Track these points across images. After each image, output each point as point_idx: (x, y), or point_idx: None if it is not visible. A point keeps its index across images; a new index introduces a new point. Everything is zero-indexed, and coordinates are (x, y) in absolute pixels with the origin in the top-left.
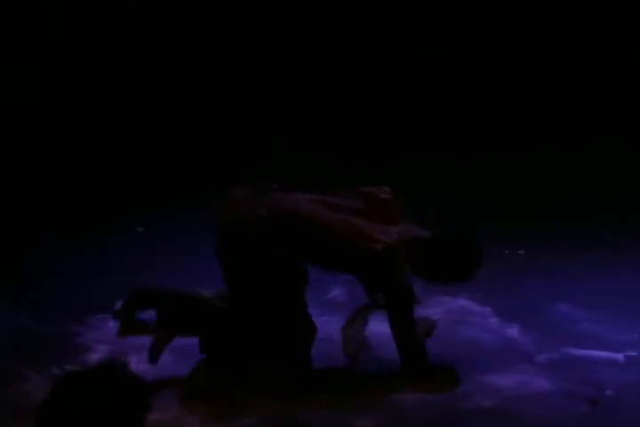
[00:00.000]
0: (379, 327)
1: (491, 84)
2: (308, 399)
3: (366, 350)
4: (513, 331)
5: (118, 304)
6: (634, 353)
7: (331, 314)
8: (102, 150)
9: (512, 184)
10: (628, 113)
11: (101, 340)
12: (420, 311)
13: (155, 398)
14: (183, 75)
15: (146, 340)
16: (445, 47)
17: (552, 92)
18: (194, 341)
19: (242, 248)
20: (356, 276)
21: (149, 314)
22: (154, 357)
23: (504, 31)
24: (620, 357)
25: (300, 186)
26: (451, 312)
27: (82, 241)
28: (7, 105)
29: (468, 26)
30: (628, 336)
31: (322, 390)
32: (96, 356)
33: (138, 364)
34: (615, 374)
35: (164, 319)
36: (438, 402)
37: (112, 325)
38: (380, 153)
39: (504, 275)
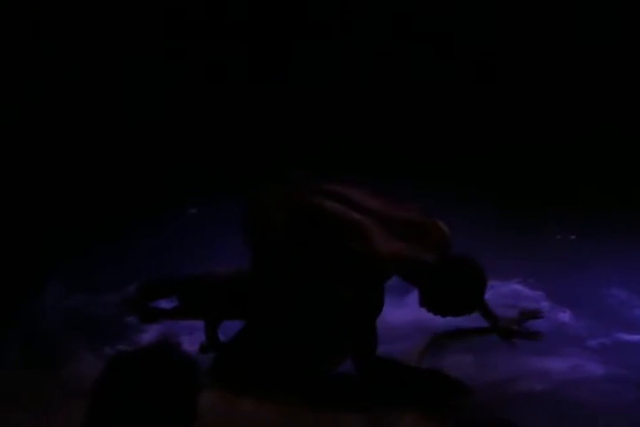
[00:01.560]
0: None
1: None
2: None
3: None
4: (565, 315)
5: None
6: None
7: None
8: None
9: (565, 169)
10: None
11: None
12: None
13: (208, 378)
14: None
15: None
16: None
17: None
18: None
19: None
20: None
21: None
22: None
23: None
24: None
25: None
26: (502, 296)
27: (137, 223)
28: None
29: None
30: None
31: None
32: (148, 336)
33: (189, 344)
34: None
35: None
36: (489, 386)
37: (164, 305)
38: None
39: (556, 260)
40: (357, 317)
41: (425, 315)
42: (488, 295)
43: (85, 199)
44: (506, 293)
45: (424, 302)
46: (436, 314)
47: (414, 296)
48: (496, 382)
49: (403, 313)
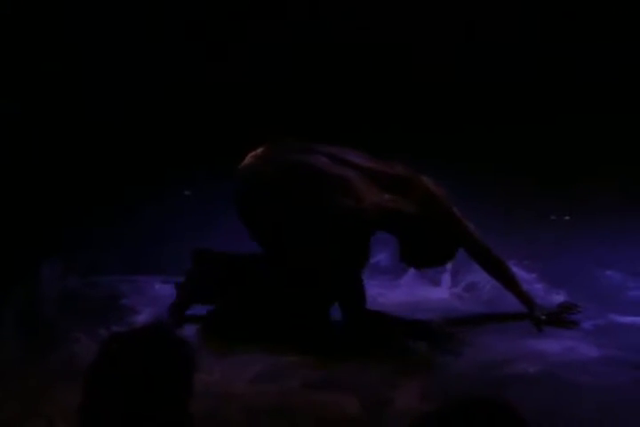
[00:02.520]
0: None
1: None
2: (352, 361)
3: None
4: (559, 297)
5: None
6: None
7: (373, 278)
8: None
9: (560, 149)
10: None
11: (147, 302)
12: (468, 277)
13: (201, 359)
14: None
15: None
16: None
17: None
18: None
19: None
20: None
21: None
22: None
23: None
24: None
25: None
26: None
27: (133, 206)
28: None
29: None
30: None
31: (366, 352)
32: (142, 317)
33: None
34: None
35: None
36: (483, 367)
37: (158, 287)
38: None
39: (550, 241)
40: (344, 269)
41: (419, 296)
42: (482, 276)
43: (81, 181)
44: None
45: (402, 256)
46: (411, 266)
47: (408, 278)
48: (490, 363)
49: (397, 295)
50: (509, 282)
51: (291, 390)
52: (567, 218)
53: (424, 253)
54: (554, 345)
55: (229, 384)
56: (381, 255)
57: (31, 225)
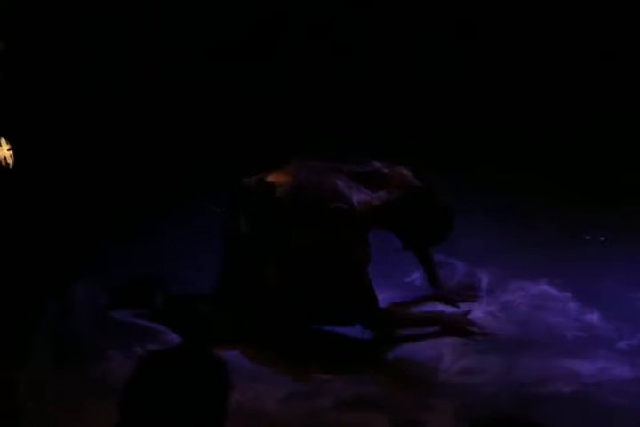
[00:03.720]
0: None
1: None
2: (384, 380)
3: None
4: (593, 317)
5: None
6: None
7: (408, 296)
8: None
9: (596, 169)
10: None
11: None
12: (502, 296)
13: (235, 378)
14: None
15: None
16: None
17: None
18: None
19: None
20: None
21: None
22: None
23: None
24: None
25: None
26: (531, 297)
27: (165, 223)
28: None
29: None
30: None
31: (398, 371)
32: (175, 337)
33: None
34: None
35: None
36: (516, 387)
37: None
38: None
39: (585, 261)
40: (351, 272)
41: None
42: (517, 296)
43: (114, 198)
44: (534, 293)
45: (406, 244)
46: (418, 249)
47: None
48: (523, 383)
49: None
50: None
51: (322, 409)
52: (602, 238)
53: (422, 235)
54: (587, 365)
55: (261, 403)
56: (416, 274)
57: (66, 242)
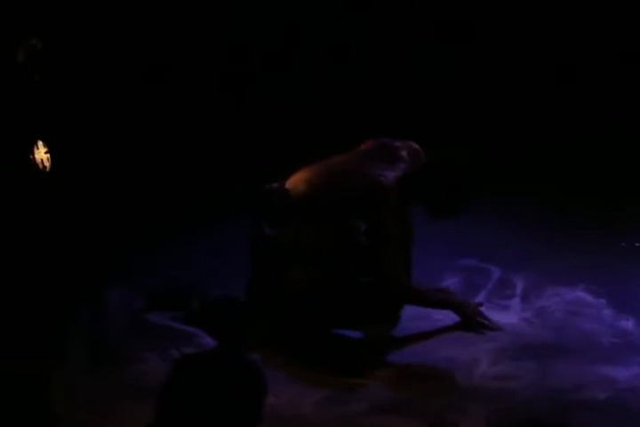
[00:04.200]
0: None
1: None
2: (418, 385)
3: None
4: (628, 323)
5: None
6: None
7: None
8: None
9: (632, 174)
10: None
11: None
12: (537, 302)
13: (270, 381)
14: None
15: None
16: None
17: None
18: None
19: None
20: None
21: None
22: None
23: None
24: None
25: None
26: (566, 303)
27: (200, 227)
28: None
29: None
30: None
31: (433, 375)
32: (211, 340)
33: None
34: None
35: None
36: (550, 392)
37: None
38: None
39: (620, 267)
40: (391, 244)
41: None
42: (552, 302)
43: (153, 201)
44: (570, 299)
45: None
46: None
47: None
48: (557, 389)
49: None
50: None
51: (357, 413)
52: (638, 244)
53: (448, 203)
54: (623, 372)
55: (296, 407)
56: (453, 280)
57: (102, 245)
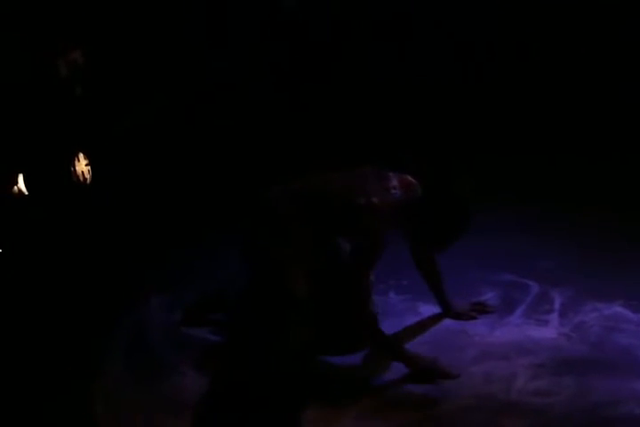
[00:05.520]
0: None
1: None
2: (457, 400)
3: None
4: None
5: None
6: None
7: (481, 316)
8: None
9: None
10: None
11: None
12: (576, 317)
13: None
14: None
15: None
16: None
17: None
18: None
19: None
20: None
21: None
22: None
23: None
24: None
25: None
26: (605, 318)
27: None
28: None
29: None
30: None
31: (471, 390)
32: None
33: None
34: None
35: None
36: (589, 408)
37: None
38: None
39: None
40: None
41: (525, 336)
42: (590, 317)
43: (192, 212)
44: (608, 315)
45: (432, 248)
46: (442, 249)
47: (515, 317)
48: (595, 404)
49: (503, 333)
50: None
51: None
52: None
53: (443, 235)
54: None
55: (335, 420)
56: (490, 294)
57: (141, 257)
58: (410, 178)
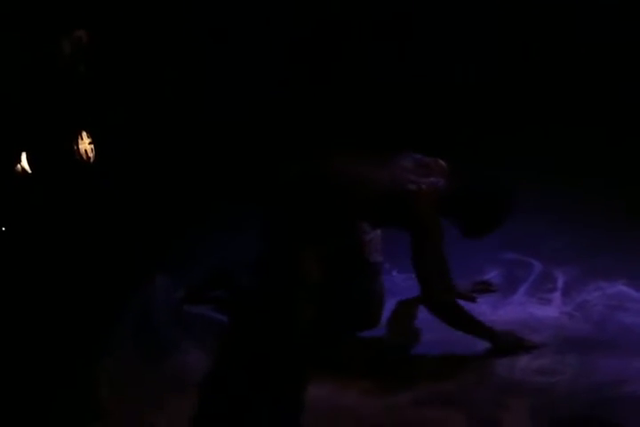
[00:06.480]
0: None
1: None
2: (462, 378)
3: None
4: None
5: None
6: None
7: (484, 295)
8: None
9: None
10: None
11: None
12: (579, 296)
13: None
14: None
15: None
16: None
17: None
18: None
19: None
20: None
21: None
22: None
23: None
24: None
25: None
26: (608, 297)
27: (240, 219)
28: None
29: None
30: None
31: (476, 369)
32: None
33: None
34: None
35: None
36: (592, 387)
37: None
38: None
39: None
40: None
41: (528, 314)
42: (594, 296)
43: (195, 192)
44: (611, 294)
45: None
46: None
47: (519, 296)
48: (599, 384)
49: (506, 312)
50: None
51: (398, 405)
52: None
53: (475, 221)
54: None
55: (339, 398)
56: (493, 273)
57: (146, 237)
58: (441, 162)
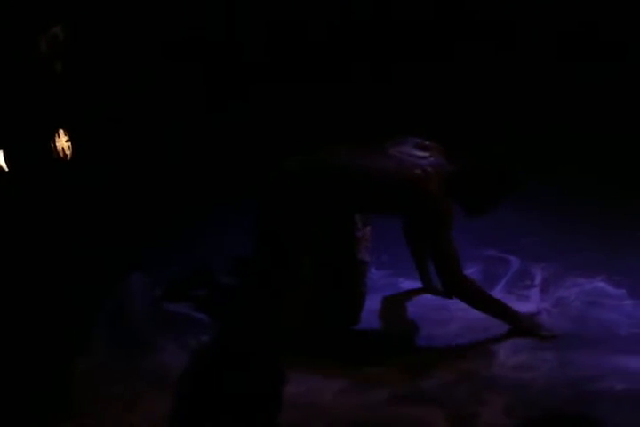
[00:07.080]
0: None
1: None
2: (438, 375)
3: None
4: None
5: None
6: None
7: None
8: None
9: None
10: None
11: None
12: (557, 292)
13: (289, 371)
14: None
15: None
16: None
17: None
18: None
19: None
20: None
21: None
22: None
23: None
24: None
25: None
26: (585, 294)
27: (219, 215)
28: None
29: None
30: None
31: (452, 366)
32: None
33: None
34: None
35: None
36: (569, 383)
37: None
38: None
39: None
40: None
41: None
42: (571, 292)
43: (172, 191)
44: (589, 290)
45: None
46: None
47: (496, 292)
48: (576, 379)
49: None
50: None
51: (376, 402)
52: None
53: (481, 200)
54: None
55: (315, 396)
56: (472, 269)
57: (122, 235)
58: (438, 145)
